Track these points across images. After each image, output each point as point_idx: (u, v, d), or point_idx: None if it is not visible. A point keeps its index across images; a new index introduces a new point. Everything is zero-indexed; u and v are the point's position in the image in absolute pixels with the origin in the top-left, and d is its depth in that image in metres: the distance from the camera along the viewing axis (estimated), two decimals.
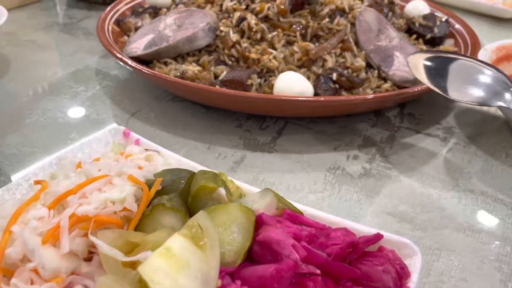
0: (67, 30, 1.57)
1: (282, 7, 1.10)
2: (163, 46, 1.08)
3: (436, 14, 1.45)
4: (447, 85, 0.92)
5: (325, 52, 1.09)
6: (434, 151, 0.99)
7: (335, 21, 1.12)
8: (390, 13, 1.29)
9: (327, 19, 1.13)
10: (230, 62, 1.09)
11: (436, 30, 1.31)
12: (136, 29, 1.27)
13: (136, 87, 1.19)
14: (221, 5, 1.18)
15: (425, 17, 1.37)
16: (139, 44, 1.12)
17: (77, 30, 1.58)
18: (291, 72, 1.01)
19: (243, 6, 1.13)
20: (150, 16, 1.32)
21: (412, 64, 0.99)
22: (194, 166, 0.77)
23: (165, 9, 1.33)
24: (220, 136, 1.01)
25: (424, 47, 1.26)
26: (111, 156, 0.79)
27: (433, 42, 1.32)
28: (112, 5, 1.38)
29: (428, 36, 1.31)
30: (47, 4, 1.81)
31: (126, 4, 1.43)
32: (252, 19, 1.08)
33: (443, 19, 1.36)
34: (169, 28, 1.13)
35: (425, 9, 1.44)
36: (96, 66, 1.31)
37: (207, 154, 0.95)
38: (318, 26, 1.12)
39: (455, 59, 0.96)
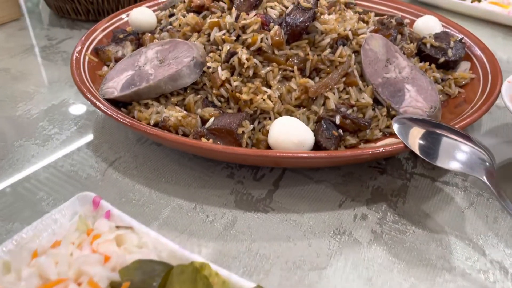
0: (46, 55, 1.44)
1: (277, 38, 0.97)
2: (142, 87, 0.95)
3: (448, 30, 1.31)
4: (430, 152, 0.81)
5: (327, 89, 0.96)
6: (453, 206, 0.86)
7: (338, 52, 0.99)
8: (399, 36, 1.15)
9: (328, 50, 0.99)
10: (219, 103, 0.96)
11: (450, 52, 1.18)
12: (116, 60, 1.14)
13: (116, 128, 1.07)
14: (209, 35, 1.04)
15: (437, 36, 1.23)
16: (116, 83, 0.99)
17: (57, 54, 1.45)
18: (288, 118, 0.88)
19: (233, 37, 1.00)
20: (132, 43, 1.19)
21: (397, 128, 0.87)
22: (173, 250, 0.65)
23: (148, 35, 1.20)
24: (208, 192, 0.89)
25: (438, 75, 1.12)
26: (75, 238, 0.67)
27: (447, 66, 1.19)
28: (90, 30, 1.25)
29: (442, 59, 1.17)
30: (27, 22, 1.68)
31: (105, 28, 1.29)
32: (243, 54, 0.95)
33: (458, 39, 1.22)
34: (150, 63, 1.00)
35: (437, 26, 1.30)
36: (74, 101, 1.19)
37: (193, 217, 0.83)
38: (318, 59, 0.99)
39: (441, 135, 0.85)
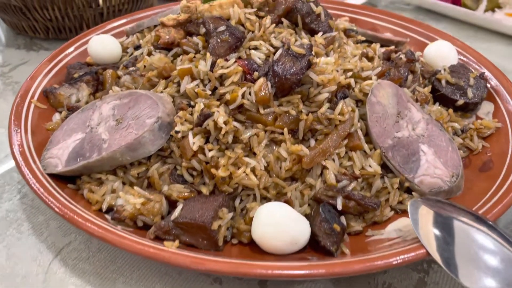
0: None
1: (263, 93, 0.77)
2: (93, 160, 0.75)
3: (465, 58, 1.12)
4: (456, 259, 0.62)
5: (325, 156, 0.77)
6: None
7: (338, 108, 0.80)
8: (410, 76, 0.96)
9: (326, 106, 0.80)
10: (191, 178, 0.77)
11: (470, 92, 0.99)
12: (69, 108, 0.94)
13: None
14: (179, 83, 0.84)
15: (453, 70, 1.04)
16: (62, 150, 0.79)
17: (7, 86, 1.24)
18: (277, 206, 0.70)
19: (208, 91, 0.80)
20: (88, 85, 0.98)
21: (413, 217, 0.68)
22: None
23: (109, 72, 1.00)
24: None
25: (457, 125, 0.93)
26: None
27: (466, 108, 1.00)
28: (41, 64, 1.04)
29: (461, 102, 0.98)
30: None
31: (60, 60, 1.08)
32: (220, 116, 0.75)
33: (478, 74, 1.03)
34: (105, 123, 0.81)
35: (451, 54, 1.10)
36: None
37: None
38: (314, 117, 0.79)
39: (472, 226, 0.65)
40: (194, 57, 0.88)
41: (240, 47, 0.86)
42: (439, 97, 1.01)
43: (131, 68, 0.93)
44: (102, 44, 1.08)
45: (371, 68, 0.92)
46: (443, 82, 1.01)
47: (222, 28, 0.85)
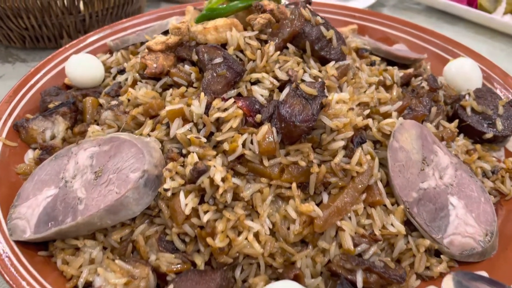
0: None
1: (267, 143, 0.65)
2: (67, 226, 0.64)
3: (489, 74, 1.00)
4: None
5: (341, 216, 0.66)
6: None
7: (355, 157, 0.68)
8: (434, 108, 0.84)
9: (341, 154, 0.68)
10: (183, 246, 0.66)
11: (499, 124, 0.87)
12: (43, 148, 0.82)
13: None
14: (168, 125, 0.72)
15: (479, 95, 0.92)
16: (31, 210, 0.67)
17: None
18: (284, 284, 0.58)
19: (203, 139, 0.68)
20: (65, 118, 0.86)
21: None
22: None
23: (90, 100, 0.87)
24: None
25: (487, 166, 0.82)
26: None
27: (495, 141, 0.88)
28: (8, 94, 0.91)
29: (489, 135, 0.86)
30: None
31: (35, 83, 0.95)
32: (217, 172, 0.63)
33: (508, 101, 0.91)
34: (81, 177, 0.68)
35: (475, 74, 0.98)
36: None
37: None
38: (327, 168, 0.67)
39: None
40: (186, 90, 0.76)
41: (240, 82, 0.73)
42: (464, 127, 0.89)
43: (113, 103, 0.80)
44: (82, 65, 0.94)
45: (390, 101, 0.80)
46: (468, 110, 0.90)
47: (218, 60, 0.73)
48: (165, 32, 1.00)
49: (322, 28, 0.78)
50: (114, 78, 0.99)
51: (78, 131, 0.85)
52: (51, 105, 0.88)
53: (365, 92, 0.80)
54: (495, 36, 1.43)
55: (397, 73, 0.88)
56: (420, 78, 0.89)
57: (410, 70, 0.92)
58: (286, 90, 0.69)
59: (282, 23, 0.80)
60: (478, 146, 0.85)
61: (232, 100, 0.69)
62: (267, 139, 0.65)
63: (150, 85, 0.80)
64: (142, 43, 1.00)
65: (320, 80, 0.70)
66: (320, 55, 0.79)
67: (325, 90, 0.68)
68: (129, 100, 0.79)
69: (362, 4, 1.50)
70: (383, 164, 0.73)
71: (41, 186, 0.70)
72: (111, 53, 1.08)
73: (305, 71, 0.76)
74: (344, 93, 0.73)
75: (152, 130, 0.74)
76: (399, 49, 1.14)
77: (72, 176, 0.69)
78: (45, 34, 1.26)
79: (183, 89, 0.76)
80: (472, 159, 0.79)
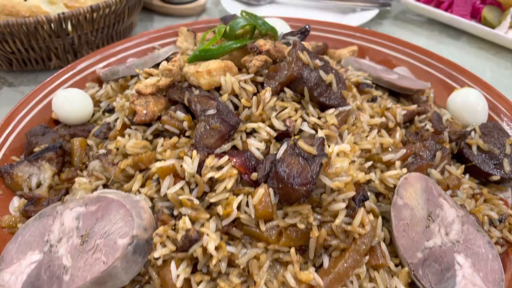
0: None
1: (264, 207, 0.61)
2: None
3: (495, 104, 0.96)
4: None
5: (342, 282, 0.62)
6: None
7: (357, 217, 0.64)
8: (439, 152, 0.79)
9: (343, 215, 0.64)
10: None
11: (507, 165, 0.83)
12: (27, 198, 0.78)
13: None
14: (159, 180, 0.68)
15: (485, 132, 0.88)
16: (15, 277, 0.64)
17: None
18: None
19: (195, 201, 0.64)
20: (52, 163, 0.82)
21: None
22: None
23: (77, 142, 0.83)
24: None
25: (494, 215, 0.78)
26: None
27: (501, 182, 0.84)
28: None
29: (497, 177, 0.83)
30: None
31: (19, 121, 0.91)
32: (210, 240, 0.59)
33: None
34: (67, 241, 0.65)
35: (480, 105, 0.94)
36: None
37: None
38: (328, 230, 0.64)
39: None
40: (178, 141, 0.72)
41: (234, 134, 0.69)
42: (469, 167, 0.85)
43: (101, 151, 0.76)
44: (69, 102, 0.90)
45: (393, 146, 0.76)
46: (474, 148, 0.86)
47: (211, 111, 0.68)
48: (157, 65, 0.96)
49: (321, 72, 0.74)
50: (103, 113, 0.94)
51: (65, 177, 0.80)
52: (36, 149, 0.84)
53: (367, 137, 0.76)
54: (499, 52, 1.38)
55: (400, 112, 0.84)
56: (424, 116, 0.85)
57: (414, 107, 0.88)
58: (283, 147, 0.64)
59: (279, 66, 0.76)
60: (485, 190, 0.81)
61: (226, 157, 0.65)
62: (263, 203, 0.62)
63: (140, 132, 0.76)
64: (132, 76, 0.96)
65: (319, 136, 0.65)
66: (319, 101, 0.74)
67: (325, 146, 0.64)
68: (117, 148, 0.75)
69: (363, 17, 1.45)
70: (385, 219, 0.69)
71: (25, 249, 0.66)
72: (100, 82, 1.04)
73: (304, 119, 0.72)
74: (345, 145, 0.69)
75: (142, 185, 0.70)
76: (401, 74, 1.09)
77: (57, 239, 0.65)
78: (32, 57, 1.21)
79: (175, 139, 0.72)
80: (479, 210, 0.76)
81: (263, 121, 0.71)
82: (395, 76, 1.02)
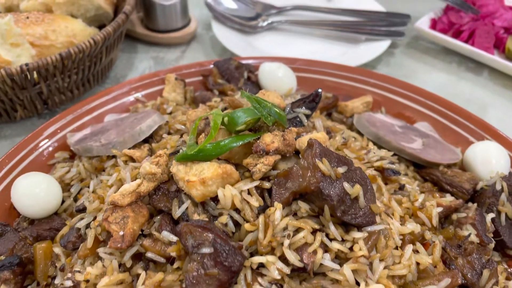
0: None
1: None
2: None
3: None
4: None
5: None
6: None
7: None
8: (486, 271, 0.65)
9: None
10: None
11: None
12: None
13: None
14: None
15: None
16: None
17: None
18: None
19: None
20: (9, 284, 0.65)
21: None
22: None
23: (41, 249, 0.67)
24: None
25: None
26: None
27: None
28: None
29: None
30: None
31: None
32: None
33: None
34: None
35: (502, 160, 0.81)
36: None
37: None
38: None
39: None
40: (164, 278, 0.56)
41: (235, 281, 0.54)
42: (498, 242, 0.71)
43: (67, 284, 0.60)
44: (31, 193, 0.74)
45: (431, 266, 0.62)
46: (503, 218, 0.72)
47: (206, 250, 0.52)
48: (139, 144, 0.79)
49: (345, 184, 0.58)
50: (75, 200, 0.78)
51: None
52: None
53: (400, 260, 0.60)
54: None
55: (436, 213, 0.69)
56: (464, 216, 0.70)
57: (450, 200, 0.73)
58: None
59: (292, 172, 0.60)
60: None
61: None
62: None
63: (115, 257, 0.60)
64: (108, 157, 0.79)
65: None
66: (342, 220, 0.59)
67: None
68: (87, 281, 0.59)
69: (374, 49, 1.28)
70: None
71: None
72: (72, 154, 0.87)
73: (325, 249, 0.57)
74: (378, 285, 0.53)
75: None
76: (423, 131, 0.95)
77: None
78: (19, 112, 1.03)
79: (159, 276, 0.56)
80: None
81: (272, 250, 0.56)
82: (419, 145, 0.87)
